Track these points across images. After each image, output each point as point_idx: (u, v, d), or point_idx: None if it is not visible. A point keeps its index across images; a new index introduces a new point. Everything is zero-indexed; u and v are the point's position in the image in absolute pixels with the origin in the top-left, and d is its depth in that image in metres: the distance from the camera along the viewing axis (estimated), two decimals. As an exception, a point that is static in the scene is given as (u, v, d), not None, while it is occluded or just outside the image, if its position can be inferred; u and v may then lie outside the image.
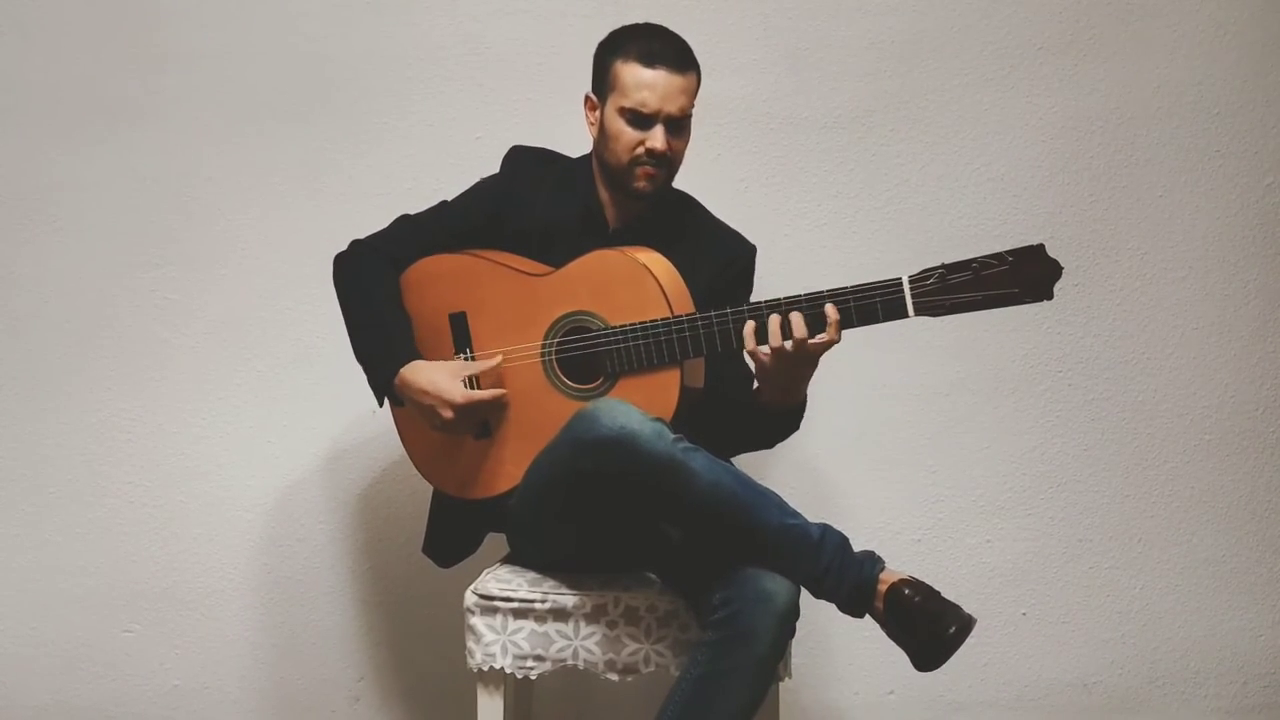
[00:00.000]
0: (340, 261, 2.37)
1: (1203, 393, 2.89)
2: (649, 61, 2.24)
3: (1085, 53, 2.86)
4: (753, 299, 2.31)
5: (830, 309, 2.08)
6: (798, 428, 2.29)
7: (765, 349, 2.11)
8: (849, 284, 2.09)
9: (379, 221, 2.40)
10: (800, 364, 2.12)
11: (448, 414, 2.22)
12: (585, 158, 2.40)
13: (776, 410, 2.23)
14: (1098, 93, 2.86)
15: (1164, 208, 2.88)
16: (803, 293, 2.11)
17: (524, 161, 2.40)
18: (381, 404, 2.33)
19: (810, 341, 2.09)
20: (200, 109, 2.84)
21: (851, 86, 2.85)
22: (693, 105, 2.29)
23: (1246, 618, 2.90)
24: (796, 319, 2.08)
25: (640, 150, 2.26)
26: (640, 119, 2.25)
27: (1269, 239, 2.89)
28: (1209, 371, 2.89)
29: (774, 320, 2.10)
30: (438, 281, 2.32)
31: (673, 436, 2.05)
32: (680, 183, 2.40)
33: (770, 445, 2.36)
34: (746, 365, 2.26)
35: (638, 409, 2.06)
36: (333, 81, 2.84)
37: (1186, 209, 2.88)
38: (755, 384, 2.23)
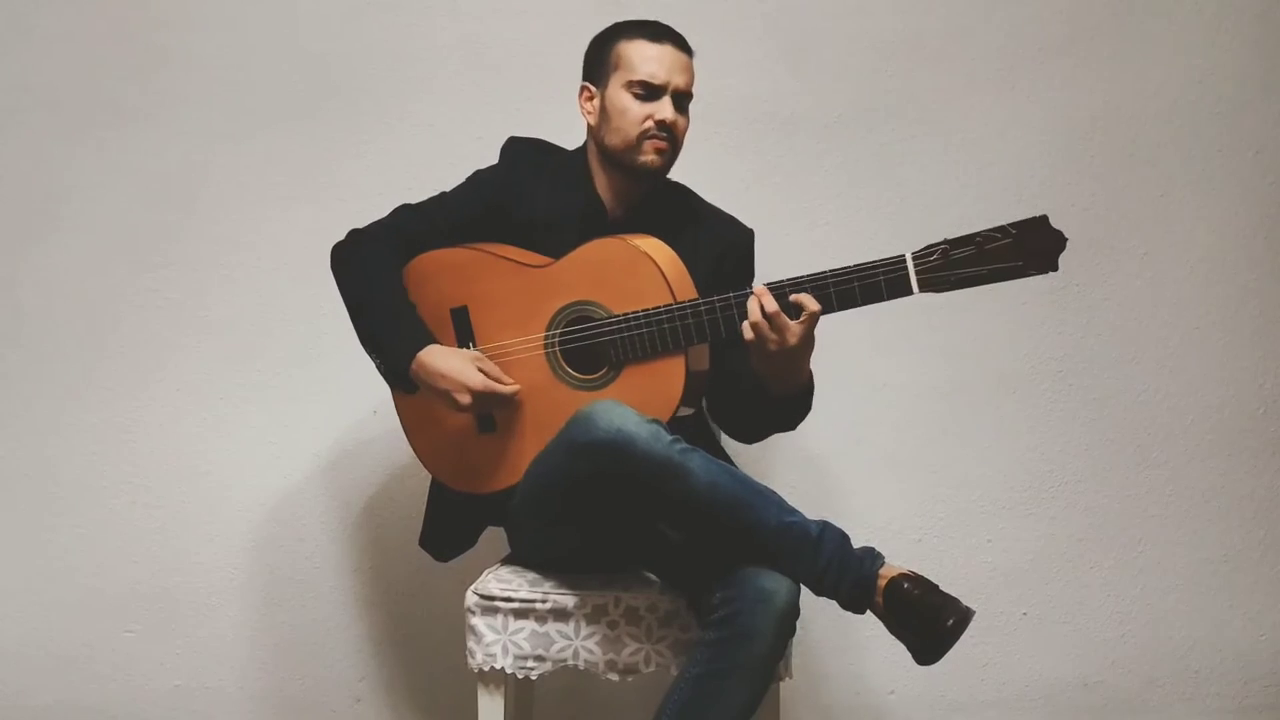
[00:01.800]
0: (339, 250, 2.35)
1: (1203, 392, 2.89)
2: (656, 38, 2.27)
3: (1085, 53, 2.86)
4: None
5: (804, 297, 2.07)
6: (809, 408, 2.25)
7: (748, 331, 2.09)
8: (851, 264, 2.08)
9: (379, 221, 2.41)
10: (786, 343, 2.09)
11: (465, 399, 2.21)
12: (581, 150, 2.39)
13: (781, 394, 2.20)
14: (1098, 93, 2.86)
15: (1165, 207, 2.88)
16: (804, 274, 2.10)
17: (521, 152, 2.39)
18: (395, 388, 2.32)
19: (793, 324, 2.07)
20: (200, 109, 2.84)
21: (852, 86, 2.85)
22: (693, 87, 2.30)
23: (1247, 618, 2.90)
24: (768, 300, 2.08)
25: (649, 123, 2.26)
26: (650, 90, 2.26)
27: (1270, 239, 2.89)
28: (1210, 371, 2.89)
29: (752, 301, 2.09)
30: (438, 276, 2.31)
31: (670, 437, 2.05)
32: (680, 180, 2.40)
33: (790, 427, 2.31)
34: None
35: (634, 410, 2.06)
36: (333, 81, 2.84)
37: (1187, 209, 2.88)
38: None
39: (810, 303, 2.07)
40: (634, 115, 2.26)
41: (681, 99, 2.29)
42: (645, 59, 2.26)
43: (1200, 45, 2.86)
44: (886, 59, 2.85)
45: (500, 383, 2.23)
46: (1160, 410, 2.89)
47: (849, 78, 2.85)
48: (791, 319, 2.08)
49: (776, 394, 2.20)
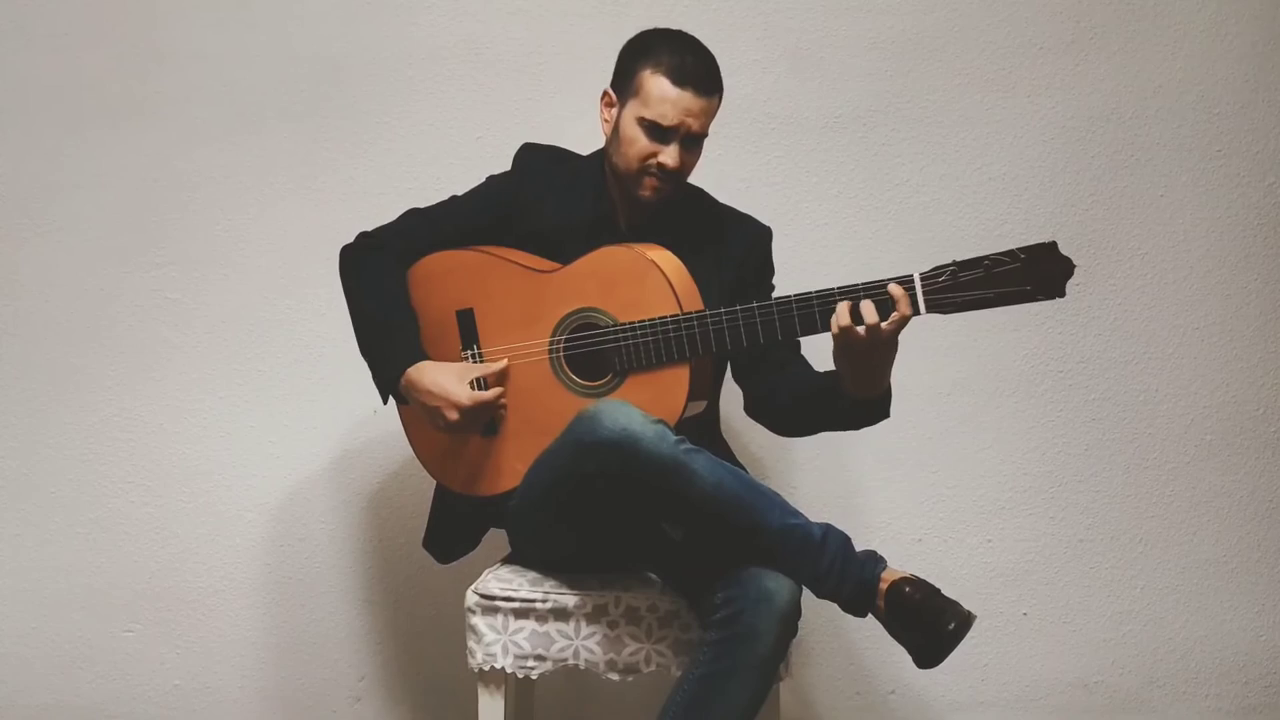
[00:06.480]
0: (346, 255, 2.36)
1: (1203, 393, 2.89)
2: (678, 79, 2.22)
3: (1085, 53, 2.86)
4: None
5: (895, 287, 2.03)
6: (886, 414, 2.20)
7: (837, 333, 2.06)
8: (856, 282, 2.07)
9: (379, 222, 2.39)
10: (873, 350, 2.06)
11: (453, 416, 2.21)
12: (596, 155, 2.38)
13: (861, 399, 2.16)
14: (1098, 93, 2.86)
15: (1164, 208, 2.88)
16: (813, 290, 2.10)
17: (534, 160, 2.38)
18: (386, 402, 2.33)
19: (883, 325, 2.03)
20: (200, 109, 2.84)
21: (852, 86, 2.85)
22: (710, 125, 2.27)
23: (1247, 618, 2.90)
24: (867, 306, 2.03)
25: (652, 162, 2.24)
26: (658, 131, 2.23)
27: (1270, 239, 2.89)
28: (1209, 371, 2.89)
29: (843, 307, 2.05)
30: (445, 277, 2.31)
31: (675, 438, 2.05)
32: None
33: (855, 428, 2.26)
34: (793, 342, 2.24)
35: (639, 410, 2.06)
36: (333, 81, 2.84)
37: (1187, 209, 2.88)
38: (839, 376, 2.15)
39: (904, 305, 2.03)
40: (639, 149, 2.24)
41: (692, 140, 2.25)
42: (662, 99, 2.22)
43: (1200, 46, 2.86)
44: (886, 59, 2.85)
45: (490, 388, 2.23)
46: (1160, 410, 2.89)
47: (849, 78, 2.85)
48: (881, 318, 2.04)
49: (852, 396, 2.15)
